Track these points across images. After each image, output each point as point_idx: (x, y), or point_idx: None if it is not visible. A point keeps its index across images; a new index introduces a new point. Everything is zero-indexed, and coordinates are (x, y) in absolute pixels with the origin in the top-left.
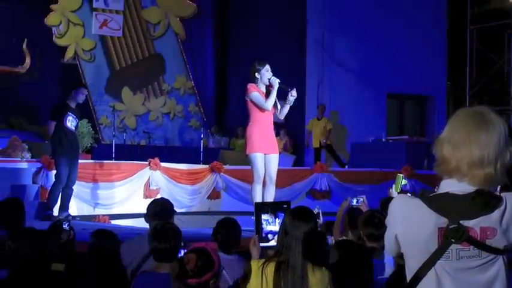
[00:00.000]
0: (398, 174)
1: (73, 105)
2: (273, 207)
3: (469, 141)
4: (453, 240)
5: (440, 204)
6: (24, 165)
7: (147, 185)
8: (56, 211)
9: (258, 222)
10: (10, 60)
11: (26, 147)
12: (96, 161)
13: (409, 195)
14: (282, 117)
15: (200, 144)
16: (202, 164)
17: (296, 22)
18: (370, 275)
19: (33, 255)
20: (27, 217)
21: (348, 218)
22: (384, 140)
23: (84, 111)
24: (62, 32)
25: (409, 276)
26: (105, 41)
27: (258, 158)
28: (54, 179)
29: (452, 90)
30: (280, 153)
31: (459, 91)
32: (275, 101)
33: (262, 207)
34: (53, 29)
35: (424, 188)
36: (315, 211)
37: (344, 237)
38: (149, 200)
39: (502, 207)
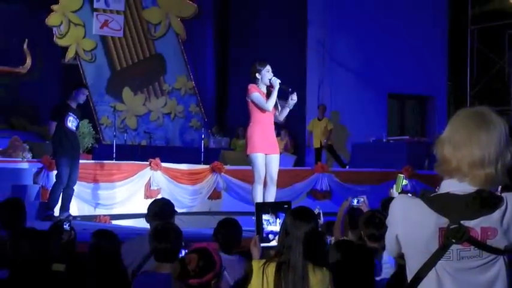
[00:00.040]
0: (399, 175)
1: (74, 105)
2: (273, 208)
3: (470, 141)
4: (454, 241)
5: (441, 204)
6: (25, 165)
7: (148, 185)
8: (56, 211)
9: (259, 223)
10: (11, 60)
11: (27, 147)
12: (97, 161)
13: (410, 195)
14: (281, 118)
15: (201, 144)
16: (203, 164)
17: (297, 22)
18: (371, 275)
19: (34, 255)
20: (28, 217)
21: (349, 218)
22: (384, 140)
23: (85, 112)
24: (62, 32)
25: (409, 276)
26: (105, 41)
27: (258, 158)
28: (55, 179)
29: (453, 90)
30: (281, 153)
31: (460, 91)
32: (276, 102)
33: (263, 208)
34: (54, 29)
35: (425, 188)
36: (316, 211)
37: (345, 238)
38: (150, 200)
39: (503, 208)
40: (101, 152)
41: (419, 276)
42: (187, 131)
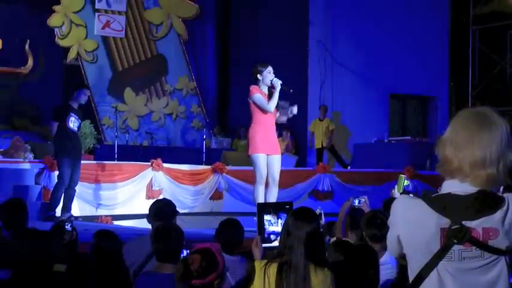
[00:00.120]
0: (401, 175)
1: (75, 106)
2: (275, 208)
3: (471, 141)
4: (455, 241)
5: (443, 204)
6: (26, 165)
7: (150, 185)
8: (58, 212)
9: (261, 223)
10: (13, 61)
11: (29, 147)
12: (99, 161)
13: (412, 195)
14: (279, 121)
15: (202, 145)
16: (205, 164)
17: (298, 22)
18: (376, 275)
19: (36, 255)
20: (30, 218)
21: (350, 218)
22: (386, 140)
23: (87, 112)
24: (64, 32)
25: (411, 276)
26: (107, 42)
27: (260, 158)
28: (56, 180)
29: (454, 90)
30: (282, 154)
31: (462, 92)
32: (277, 103)
33: (265, 208)
34: (56, 29)
35: (427, 189)
36: (317, 212)
37: (345, 239)
38: (152, 201)
39: (505, 208)
40: (102, 152)
41: (421, 276)
42: (189, 132)
